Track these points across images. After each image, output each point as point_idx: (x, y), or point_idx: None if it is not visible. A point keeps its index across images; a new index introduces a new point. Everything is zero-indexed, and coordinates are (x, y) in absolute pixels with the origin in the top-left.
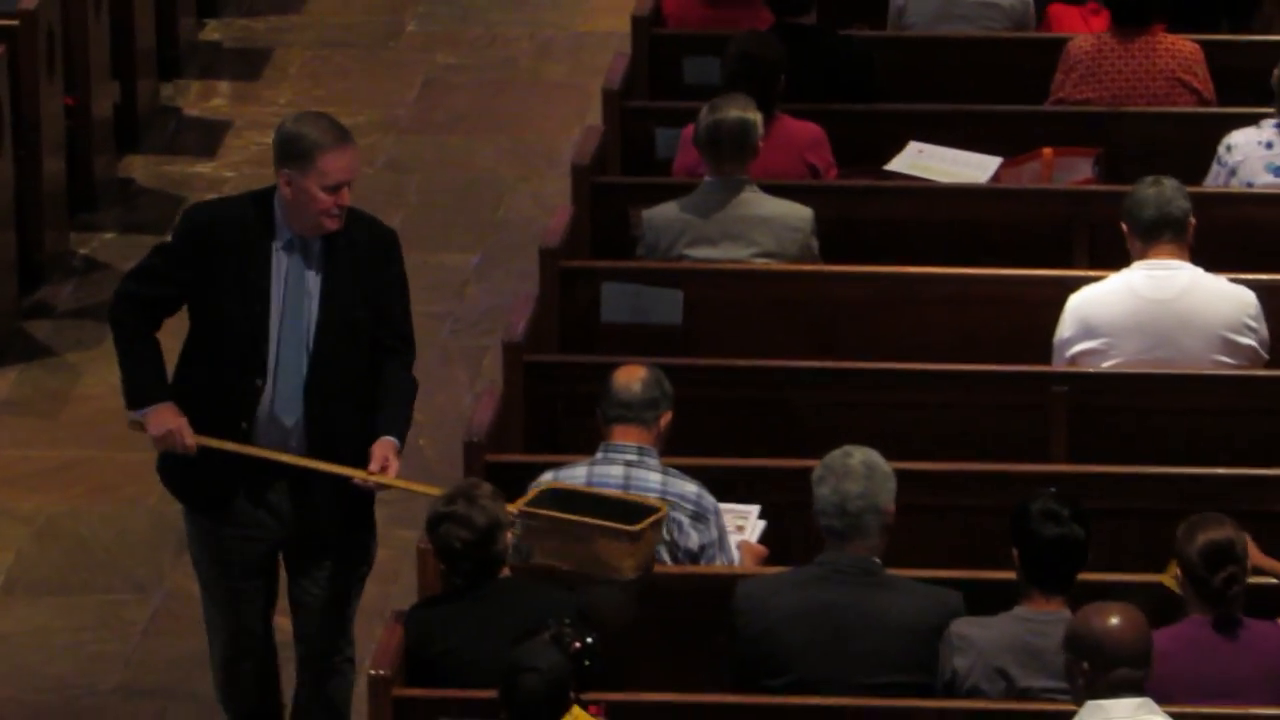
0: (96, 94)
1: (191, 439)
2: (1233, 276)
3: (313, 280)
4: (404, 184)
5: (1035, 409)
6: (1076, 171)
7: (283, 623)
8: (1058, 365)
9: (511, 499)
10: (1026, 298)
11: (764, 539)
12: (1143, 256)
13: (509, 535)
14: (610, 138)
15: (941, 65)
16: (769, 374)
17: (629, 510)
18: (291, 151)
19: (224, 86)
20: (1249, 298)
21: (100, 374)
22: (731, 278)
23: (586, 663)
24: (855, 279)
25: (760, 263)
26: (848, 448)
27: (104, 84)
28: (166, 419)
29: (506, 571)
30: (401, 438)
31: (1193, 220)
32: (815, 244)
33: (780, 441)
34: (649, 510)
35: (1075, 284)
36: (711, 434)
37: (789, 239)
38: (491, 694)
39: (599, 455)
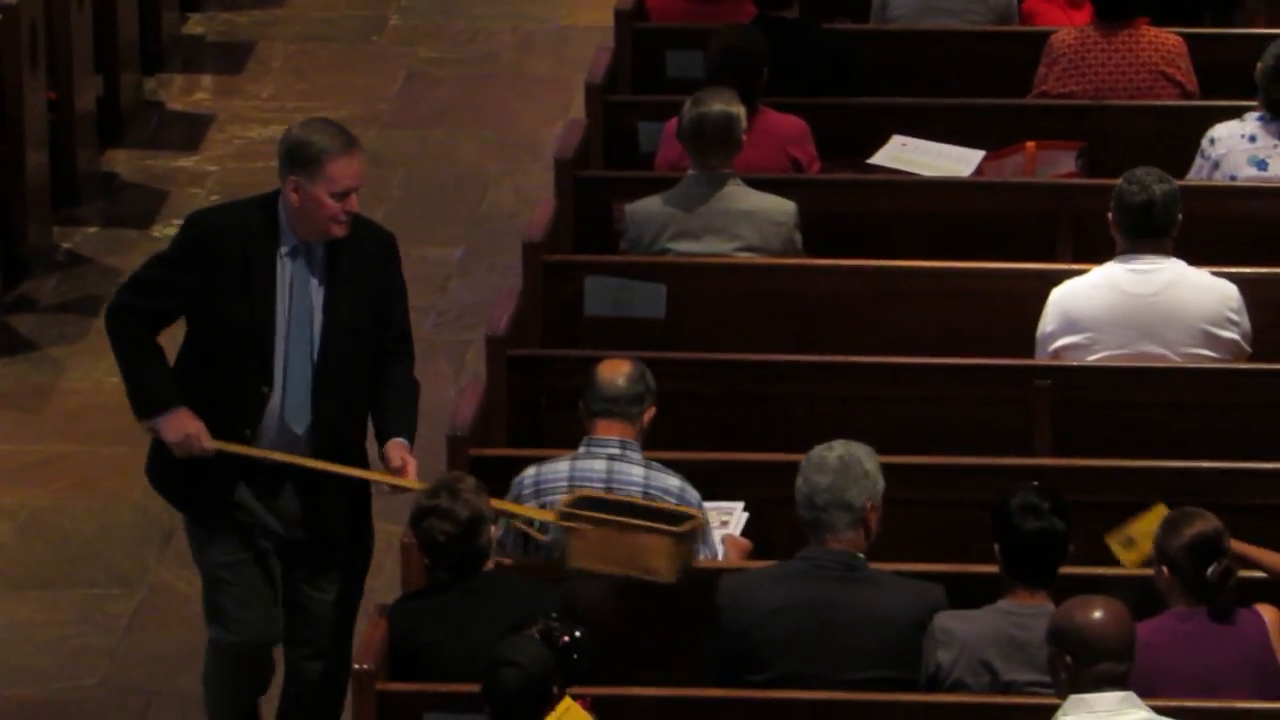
0: (79, 88)
1: (210, 443)
2: (1215, 270)
3: (316, 286)
4: (387, 178)
5: (1019, 403)
6: (1059, 165)
7: None
8: (1041, 359)
9: (495, 493)
10: (1010, 291)
11: (746, 532)
12: (1127, 249)
13: (493, 529)
14: (593, 132)
15: (924, 59)
16: (752, 368)
17: (664, 515)
18: (299, 158)
19: (207, 80)
20: (1231, 291)
21: (84, 368)
22: (715, 272)
23: (575, 656)
24: (838, 273)
25: (744, 256)
26: (835, 442)
27: (87, 78)
28: (183, 424)
29: (490, 565)
30: (411, 439)
31: (1179, 216)
32: (799, 238)
33: (763, 436)
34: (686, 515)
35: (1058, 277)
36: (694, 428)
37: (772, 233)
38: (475, 688)
39: (582, 450)
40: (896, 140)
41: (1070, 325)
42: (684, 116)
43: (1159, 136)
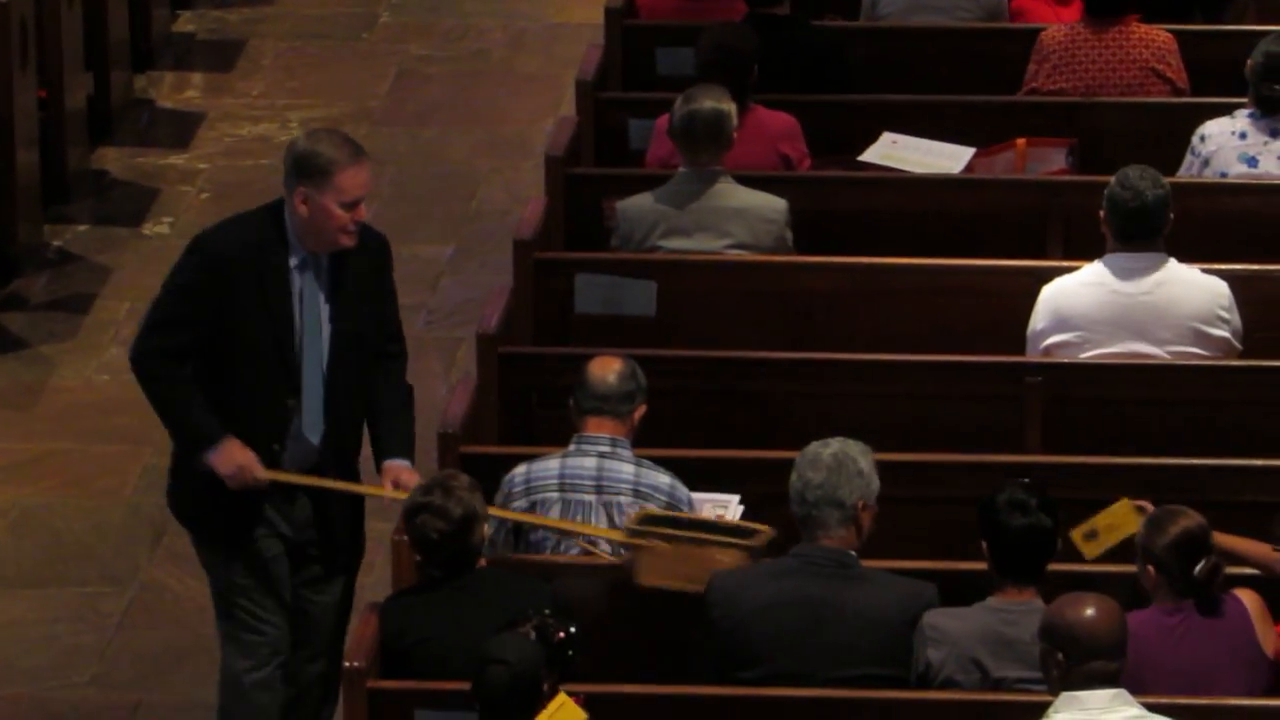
0: (70, 86)
1: (264, 473)
2: (1206, 267)
3: (324, 297)
4: (377, 176)
5: (1009, 400)
6: (1050, 162)
7: None
8: (1032, 356)
9: (487, 491)
10: (1000, 288)
11: None
12: (1118, 247)
13: (485, 527)
14: (584, 129)
15: (914, 56)
16: (743, 365)
17: (727, 529)
18: (307, 169)
19: (197, 78)
20: (1221, 288)
21: (74, 366)
22: (705, 269)
23: (570, 652)
24: (829, 270)
25: (734, 254)
26: (832, 439)
27: (77, 76)
28: (235, 456)
29: (483, 563)
30: (412, 456)
31: (1171, 215)
32: (789, 235)
33: (754, 433)
34: (753, 529)
35: (1049, 274)
36: (685, 425)
37: (763, 230)
38: (466, 686)
39: (572, 447)
40: (887, 137)
41: (1061, 323)
42: (675, 113)
43: (1149, 133)
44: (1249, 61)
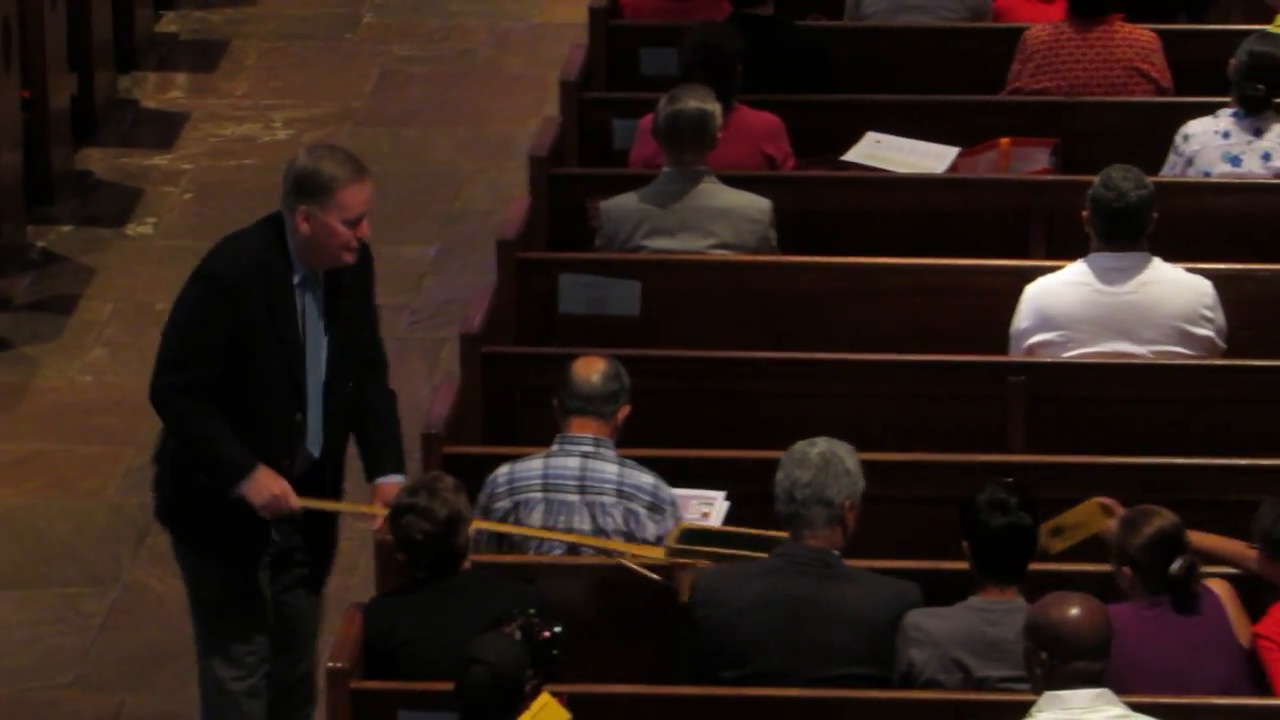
0: (53, 86)
1: (297, 502)
2: (1190, 266)
3: (320, 310)
4: None
5: (993, 399)
6: (1033, 161)
7: None
8: (1015, 355)
9: (470, 491)
10: (984, 287)
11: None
12: (1101, 246)
13: (470, 529)
14: (568, 129)
15: (898, 55)
16: (727, 365)
17: (770, 542)
18: (309, 187)
19: (181, 79)
20: (1205, 287)
21: (58, 367)
22: (689, 269)
23: (554, 652)
24: (813, 270)
25: (718, 254)
26: (818, 438)
27: (61, 76)
28: (269, 485)
29: (467, 564)
30: (404, 469)
31: (1154, 215)
32: (773, 235)
33: (738, 433)
34: (776, 539)
35: (1032, 274)
36: (669, 425)
37: (747, 230)
38: (449, 686)
39: (555, 447)
40: (871, 137)
41: (1044, 322)
42: (659, 113)
43: (1133, 133)
44: (1232, 61)
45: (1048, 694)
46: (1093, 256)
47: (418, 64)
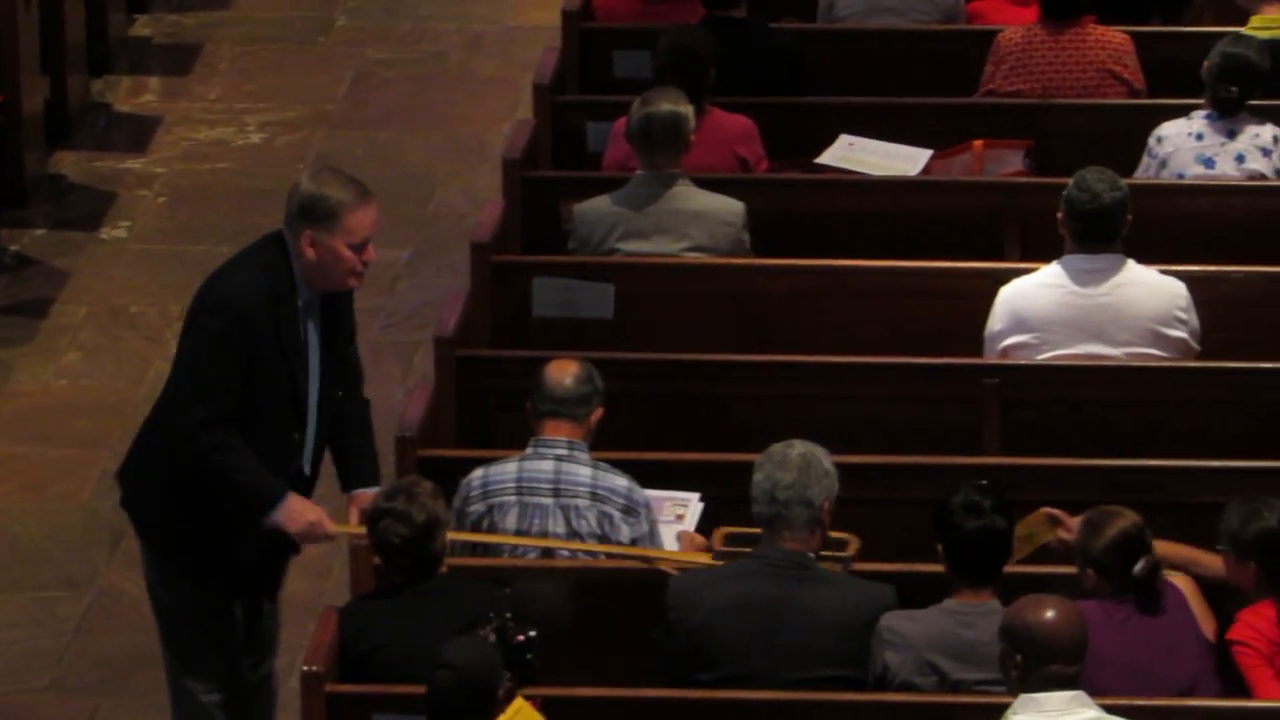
0: (26, 90)
1: (332, 527)
2: (1163, 268)
3: (319, 330)
4: None
5: (967, 401)
6: (1007, 163)
7: None
8: (989, 358)
9: (445, 495)
10: (958, 290)
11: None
12: (1075, 248)
13: (447, 534)
14: (541, 132)
15: (871, 58)
16: (701, 368)
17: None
18: (314, 212)
19: (154, 82)
20: (1179, 289)
21: (31, 370)
22: (663, 272)
23: (529, 656)
24: (786, 272)
25: (692, 256)
26: (795, 440)
27: (34, 80)
28: (304, 511)
29: (444, 568)
30: (379, 480)
31: (1129, 216)
32: (747, 238)
33: (712, 436)
34: (843, 540)
35: (1006, 276)
36: (643, 428)
37: (721, 233)
38: (423, 690)
39: (529, 450)
40: (844, 140)
41: (1019, 324)
42: (632, 116)
43: (1106, 135)
44: (1205, 63)
45: (1023, 696)
46: (1067, 259)
47: (391, 67)
